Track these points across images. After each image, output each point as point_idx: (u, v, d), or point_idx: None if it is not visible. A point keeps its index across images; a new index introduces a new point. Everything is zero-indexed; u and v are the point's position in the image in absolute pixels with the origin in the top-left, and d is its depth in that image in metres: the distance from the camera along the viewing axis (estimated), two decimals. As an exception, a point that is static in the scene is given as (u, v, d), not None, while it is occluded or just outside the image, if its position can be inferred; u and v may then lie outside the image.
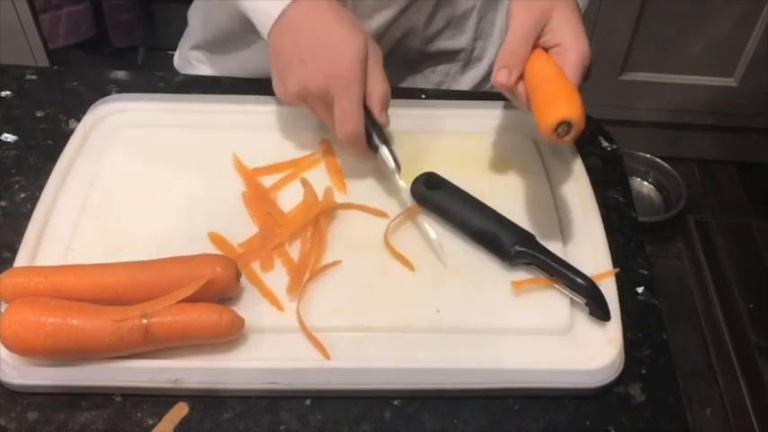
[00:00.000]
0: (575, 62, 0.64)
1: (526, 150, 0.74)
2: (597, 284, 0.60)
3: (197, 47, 0.91)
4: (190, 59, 0.92)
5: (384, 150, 0.66)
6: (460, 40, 0.86)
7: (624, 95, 1.81)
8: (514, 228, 0.64)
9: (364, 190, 0.69)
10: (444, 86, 0.89)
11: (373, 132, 0.66)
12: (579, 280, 0.60)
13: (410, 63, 0.87)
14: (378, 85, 0.65)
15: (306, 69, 0.64)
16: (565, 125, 0.60)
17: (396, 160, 0.66)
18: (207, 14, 0.88)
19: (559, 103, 0.60)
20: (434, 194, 0.66)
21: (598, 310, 0.60)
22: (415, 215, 0.66)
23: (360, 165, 0.71)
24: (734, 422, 1.48)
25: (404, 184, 0.67)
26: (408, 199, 0.67)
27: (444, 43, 0.86)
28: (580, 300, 0.60)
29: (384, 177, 0.69)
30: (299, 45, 0.65)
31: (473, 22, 0.85)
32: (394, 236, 0.65)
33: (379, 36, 0.82)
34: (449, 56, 0.87)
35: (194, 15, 0.92)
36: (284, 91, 0.67)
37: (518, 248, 0.62)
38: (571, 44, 0.65)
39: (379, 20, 0.80)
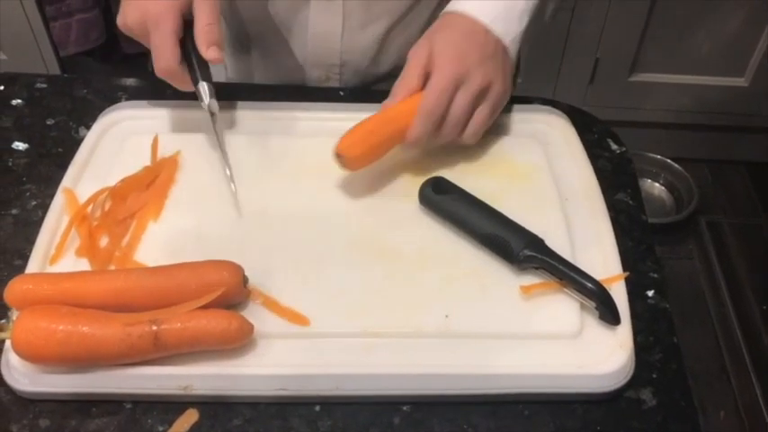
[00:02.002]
0: (424, 93, 0.67)
1: (534, 152, 0.74)
2: (607, 288, 0.60)
3: None
4: None
5: (201, 85, 0.67)
6: None
7: (634, 96, 1.80)
8: (523, 232, 0.63)
9: (366, 191, 0.70)
10: None
11: (195, 67, 0.67)
12: (589, 284, 0.59)
13: None
14: (201, 20, 0.65)
15: (131, 5, 0.66)
16: (339, 156, 0.66)
17: (211, 94, 0.68)
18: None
19: (345, 135, 0.66)
20: (443, 199, 0.66)
21: (608, 314, 0.59)
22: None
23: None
24: (748, 425, 1.47)
25: (212, 114, 0.69)
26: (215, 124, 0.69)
27: None
28: (590, 304, 0.60)
29: (386, 177, 0.71)
30: None
31: None
32: (399, 238, 0.66)
33: (377, 50, 0.82)
34: None
35: None
36: (118, 23, 0.68)
37: (527, 253, 0.62)
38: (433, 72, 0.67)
39: (371, 33, 0.81)
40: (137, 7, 0.66)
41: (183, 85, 0.68)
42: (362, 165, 0.68)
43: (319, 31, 0.80)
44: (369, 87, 0.86)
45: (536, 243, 0.63)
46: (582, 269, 0.61)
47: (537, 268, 0.62)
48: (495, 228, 0.64)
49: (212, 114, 0.69)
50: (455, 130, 0.68)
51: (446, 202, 0.66)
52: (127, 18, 0.67)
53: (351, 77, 0.84)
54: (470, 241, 0.65)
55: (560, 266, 0.61)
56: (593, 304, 0.60)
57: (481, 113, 0.69)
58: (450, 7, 0.71)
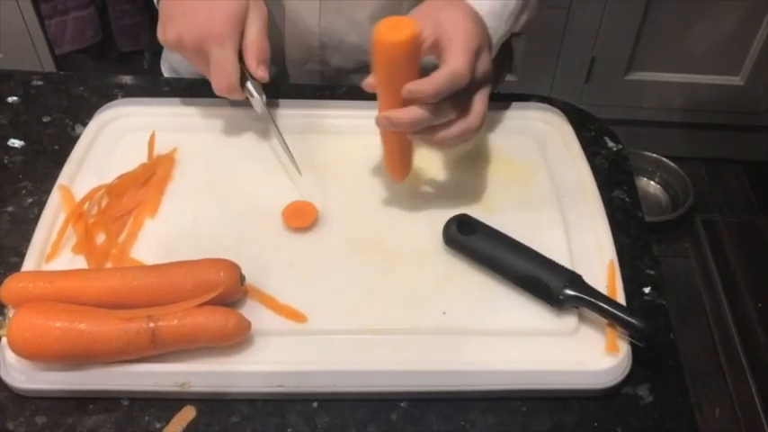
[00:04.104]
0: (453, 56, 0.62)
1: (530, 150, 0.74)
2: (653, 325, 0.58)
3: None
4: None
5: (248, 85, 0.70)
6: None
7: (630, 95, 1.81)
8: (561, 270, 0.60)
9: (362, 187, 0.70)
10: None
11: (247, 76, 0.70)
12: (636, 322, 0.57)
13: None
14: (253, 40, 0.68)
15: (184, 21, 0.67)
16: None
17: (259, 91, 0.70)
18: None
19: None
20: (470, 240, 0.63)
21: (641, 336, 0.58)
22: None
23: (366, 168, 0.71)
24: (743, 422, 1.47)
25: (264, 109, 0.71)
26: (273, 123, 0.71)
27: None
28: (626, 332, 0.58)
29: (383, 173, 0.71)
30: None
31: None
32: (396, 236, 0.66)
33: (357, 35, 0.80)
34: None
35: None
36: (163, 38, 0.70)
37: (568, 293, 0.59)
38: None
39: (349, 17, 0.80)
40: (193, 24, 0.67)
41: (240, 95, 0.70)
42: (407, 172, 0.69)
43: (296, 14, 0.80)
44: (351, 73, 0.85)
45: (575, 281, 0.60)
46: (624, 305, 0.59)
47: (577, 307, 0.60)
48: (531, 268, 0.60)
49: (267, 106, 0.71)
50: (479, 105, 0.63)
51: (474, 243, 0.63)
52: (181, 34, 0.67)
53: (332, 61, 0.84)
54: (504, 282, 0.62)
55: (604, 305, 0.58)
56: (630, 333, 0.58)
57: (482, 95, 0.64)
58: None
